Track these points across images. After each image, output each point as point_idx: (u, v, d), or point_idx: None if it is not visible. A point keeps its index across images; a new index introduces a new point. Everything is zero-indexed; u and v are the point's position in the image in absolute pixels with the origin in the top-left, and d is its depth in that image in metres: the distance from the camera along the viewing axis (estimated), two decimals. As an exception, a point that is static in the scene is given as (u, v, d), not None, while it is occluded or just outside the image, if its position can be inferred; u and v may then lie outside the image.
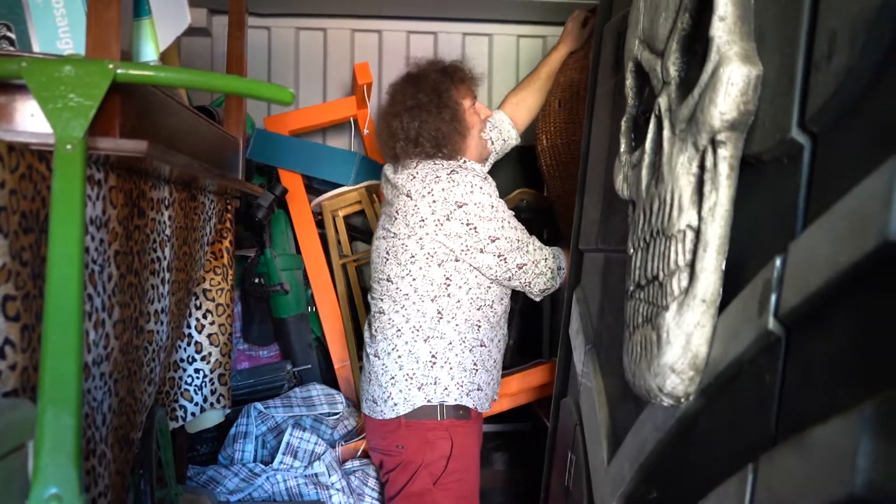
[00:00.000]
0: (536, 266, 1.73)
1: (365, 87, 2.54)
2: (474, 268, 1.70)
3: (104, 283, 1.03)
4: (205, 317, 1.67)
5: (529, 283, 1.75)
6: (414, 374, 1.71)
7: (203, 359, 1.67)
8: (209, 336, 1.68)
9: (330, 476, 1.98)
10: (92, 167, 0.98)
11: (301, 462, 2.01)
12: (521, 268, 1.71)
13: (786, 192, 0.75)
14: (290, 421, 2.15)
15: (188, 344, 1.65)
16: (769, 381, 0.73)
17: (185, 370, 1.64)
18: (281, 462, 2.00)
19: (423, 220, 1.66)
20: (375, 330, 1.77)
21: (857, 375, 0.59)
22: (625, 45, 1.17)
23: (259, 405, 2.17)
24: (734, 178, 0.81)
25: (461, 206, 1.64)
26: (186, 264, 1.45)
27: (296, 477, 1.98)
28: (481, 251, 1.67)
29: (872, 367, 0.57)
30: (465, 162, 1.79)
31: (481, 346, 1.76)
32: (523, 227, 1.74)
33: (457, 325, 1.72)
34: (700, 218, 0.84)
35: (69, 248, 0.76)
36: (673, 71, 0.96)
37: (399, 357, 1.72)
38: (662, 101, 0.97)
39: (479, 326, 1.75)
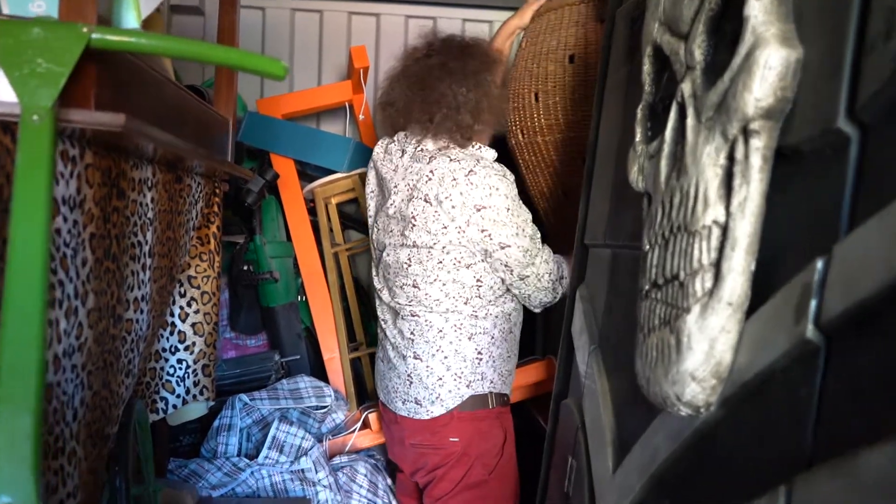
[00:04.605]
0: (539, 280, 1.69)
1: (361, 71, 2.46)
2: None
3: (77, 269, 0.95)
4: (189, 305, 1.60)
5: (529, 296, 1.73)
6: (462, 372, 1.69)
7: (186, 349, 1.59)
8: (193, 325, 1.60)
9: (317, 472, 1.91)
10: (66, 142, 0.90)
11: (287, 457, 1.94)
12: (524, 279, 1.68)
13: (828, 188, 0.68)
14: (277, 414, 2.08)
15: (171, 333, 1.57)
16: (805, 396, 0.66)
17: (167, 360, 1.57)
18: (266, 457, 1.93)
19: (444, 228, 1.61)
20: (412, 332, 1.72)
21: (917, 395, 0.53)
22: (642, 29, 1.10)
23: (244, 397, 2.09)
24: (767, 171, 0.74)
25: (479, 210, 1.60)
26: (170, 250, 1.37)
27: (281, 472, 1.91)
28: (490, 256, 1.64)
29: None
30: (480, 149, 1.72)
31: (510, 332, 1.78)
32: (535, 235, 1.69)
33: (495, 317, 1.72)
34: (728, 214, 0.77)
35: (33, 229, 0.69)
36: (698, 54, 0.89)
37: (445, 358, 1.69)
38: (686, 88, 0.90)
39: (510, 315, 1.76)
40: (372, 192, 1.88)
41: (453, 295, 1.67)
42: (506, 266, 1.65)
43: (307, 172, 2.56)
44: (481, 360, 1.71)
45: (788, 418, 0.68)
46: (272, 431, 1.96)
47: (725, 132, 0.78)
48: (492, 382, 1.73)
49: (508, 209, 1.61)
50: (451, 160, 1.63)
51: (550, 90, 1.84)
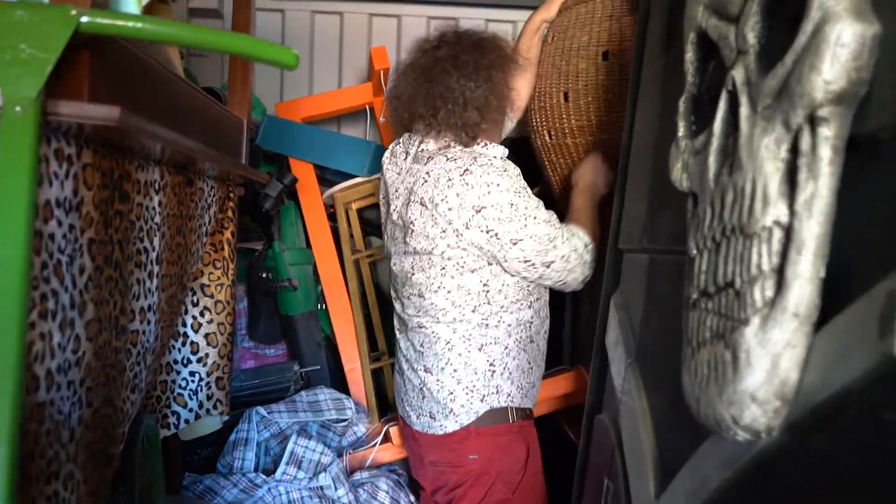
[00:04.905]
0: (567, 262, 1.56)
1: (382, 72, 2.39)
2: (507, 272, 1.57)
3: (74, 277, 0.88)
4: (202, 314, 1.53)
5: (565, 281, 1.60)
6: (474, 386, 1.59)
7: (199, 360, 1.52)
8: (206, 336, 1.53)
9: (336, 489, 1.83)
10: (60, 139, 0.83)
11: (305, 473, 1.87)
12: (550, 266, 1.55)
13: (915, 181, 0.59)
14: (295, 427, 2.01)
15: (183, 344, 1.50)
16: (891, 422, 0.57)
17: (178, 373, 1.50)
18: (284, 472, 1.86)
19: (443, 232, 1.52)
20: (421, 345, 1.63)
21: None
22: (683, 15, 1.02)
23: (261, 409, 2.02)
24: (838, 164, 0.65)
25: (479, 211, 1.48)
26: (180, 256, 1.30)
27: (299, 489, 1.83)
28: (505, 258, 1.53)
29: None
30: (485, 147, 1.63)
31: (531, 342, 1.66)
32: (551, 218, 1.56)
33: (508, 325, 1.60)
34: (792, 213, 0.68)
35: (13, 232, 0.62)
36: (752, 37, 0.80)
37: (455, 371, 1.59)
38: (738, 74, 0.81)
39: (531, 323, 1.65)
40: (383, 198, 1.80)
41: (459, 303, 1.57)
42: (525, 262, 1.53)
43: (327, 177, 2.49)
44: (494, 372, 1.60)
45: (871, 448, 0.59)
46: (290, 446, 1.89)
47: (788, 121, 0.69)
48: (509, 396, 1.62)
49: (512, 204, 1.50)
50: (447, 160, 1.54)
51: (582, 90, 1.74)
